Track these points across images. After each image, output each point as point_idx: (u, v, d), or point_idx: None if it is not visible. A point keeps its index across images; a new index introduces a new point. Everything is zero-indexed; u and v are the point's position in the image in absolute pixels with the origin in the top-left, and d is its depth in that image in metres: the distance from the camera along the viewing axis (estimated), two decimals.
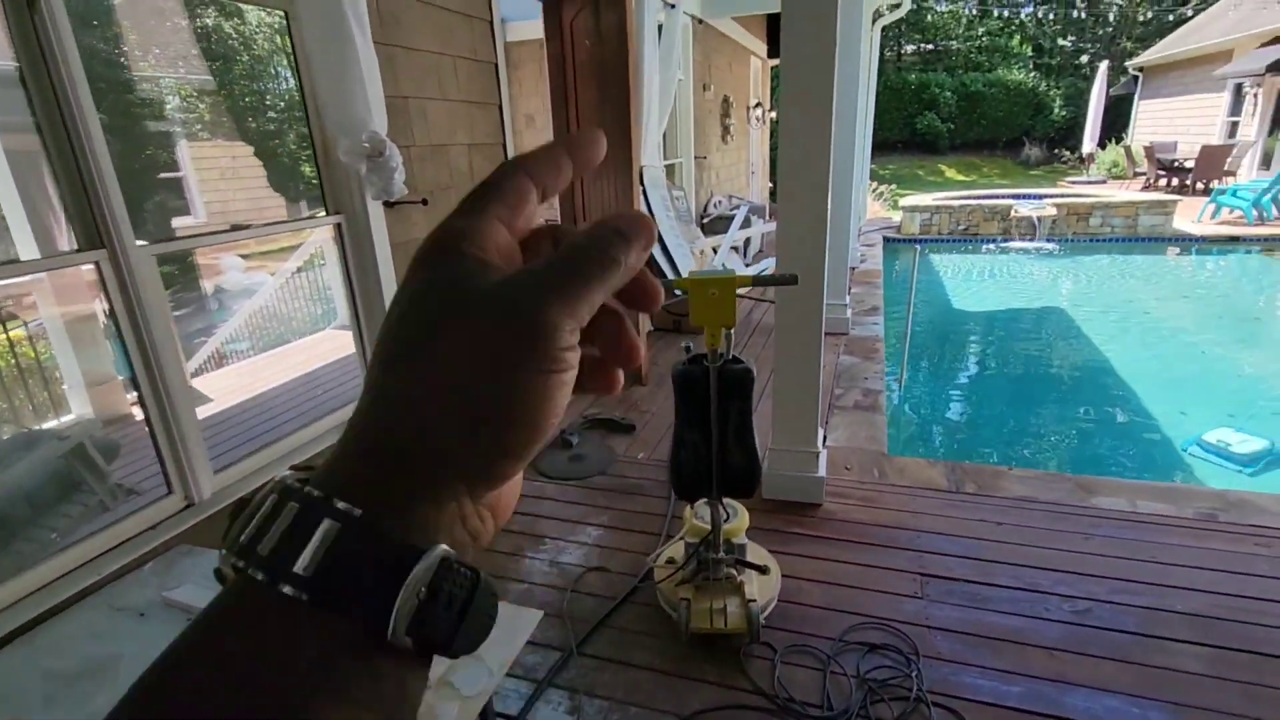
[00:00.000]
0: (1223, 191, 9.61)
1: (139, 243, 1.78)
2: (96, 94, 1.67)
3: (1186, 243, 8.84)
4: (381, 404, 0.23)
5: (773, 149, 11.09)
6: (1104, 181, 15.62)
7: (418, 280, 0.24)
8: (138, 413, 2.20)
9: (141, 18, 3.66)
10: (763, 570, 1.89)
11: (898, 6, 7.59)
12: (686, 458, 1.67)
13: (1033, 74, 22.83)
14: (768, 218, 7.75)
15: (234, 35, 4.21)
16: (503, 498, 0.26)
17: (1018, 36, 23.53)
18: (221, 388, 3.93)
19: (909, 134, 23.21)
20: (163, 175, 4.28)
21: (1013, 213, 9.23)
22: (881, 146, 23.23)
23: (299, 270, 5.01)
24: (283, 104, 3.57)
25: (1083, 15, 23.51)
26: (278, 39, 2.83)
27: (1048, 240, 9.12)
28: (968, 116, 22.45)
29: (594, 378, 0.27)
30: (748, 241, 7.23)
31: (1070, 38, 23.50)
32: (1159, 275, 8.29)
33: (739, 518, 1.91)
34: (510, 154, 3.73)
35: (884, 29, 8.44)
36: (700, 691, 1.72)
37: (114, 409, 3.01)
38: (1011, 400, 4.76)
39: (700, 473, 1.68)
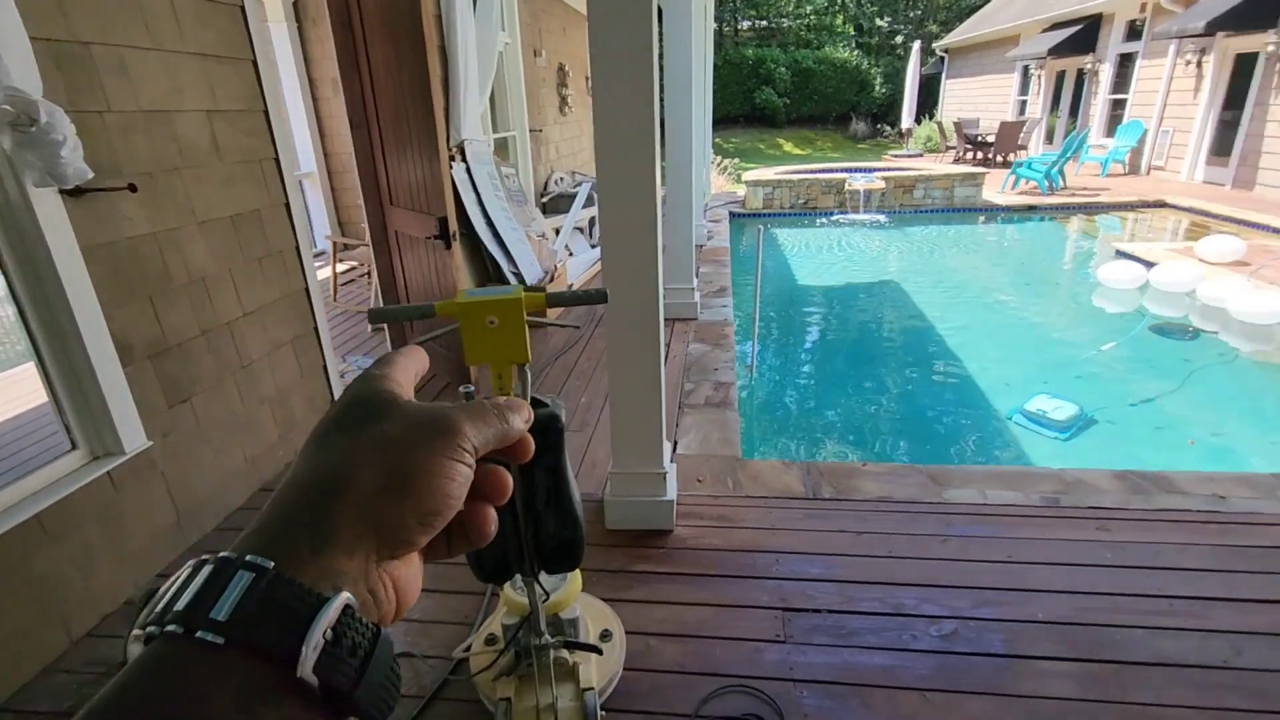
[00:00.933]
0: (1020, 164, 10.59)
1: None
2: None
3: (994, 212, 9.65)
4: (313, 464, 0.28)
5: None
6: (921, 155, 16.89)
7: (352, 393, 0.31)
8: None
9: None
10: (598, 651, 1.53)
11: None
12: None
13: (855, 52, 24.24)
14: None
15: None
16: (404, 578, 0.29)
17: (841, 16, 24.83)
18: None
19: (749, 108, 23.89)
20: None
21: (847, 186, 9.59)
22: (724, 120, 23.77)
23: None
24: None
25: None
26: None
27: (879, 212, 9.58)
28: (801, 92, 23.46)
29: (471, 528, 0.33)
30: (593, 222, 6.83)
31: (886, 19, 25.16)
32: (975, 244, 8.97)
33: (567, 586, 1.53)
34: (286, 122, 3.36)
35: (719, 2, 8.30)
36: None
37: None
38: (857, 382, 4.79)
39: (507, 553, 1.27)
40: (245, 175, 2.46)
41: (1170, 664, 1.63)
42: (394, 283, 3.80)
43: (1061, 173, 10.20)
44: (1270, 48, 8.86)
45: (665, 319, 4.66)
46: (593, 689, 1.49)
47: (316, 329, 2.88)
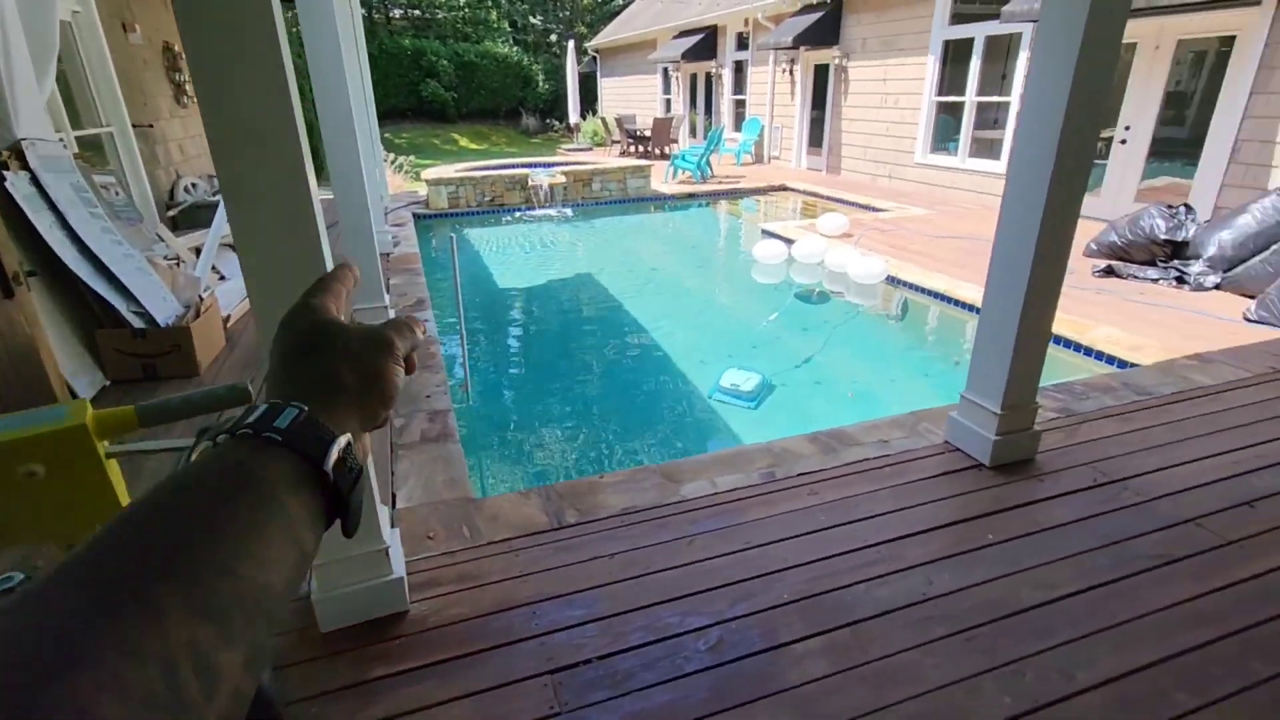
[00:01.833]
0: (676, 157, 11.82)
1: None
2: None
3: (662, 201, 10.62)
4: (309, 370, 0.40)
5: None
6: (591, 149, 17.91)
7: (307, 322, 0.42)
8: None
9: None
10: None
11: None
12: None
13: (515, 48, 24.64)
14: None
15: None
16: (366, 443, 0.42)
17: (495, 11, 24.96)
18: None
19: (415, 101, 22.78)
20: None
21: (530, 181, 9.63)
22: (391, 114, 22.30)
23: None
24: None
25: None
26: None
27: (564, 206, 9.84)
28: (468, 85, 23.10)
29: None
30: None
31: (539, 17, 26.02)
32: (652, 232, 9.76)
33: None
34: None
35: None
36: None
37: None
38: (576, 384, 4.80)
39: None
40: None
41: (888, 611, 1.85)
42: None
43: (709, 163, 11.65)
44: (836, 60, 11.18)
45: None
46: None
47: None
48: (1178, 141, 6.85)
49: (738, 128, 14.52)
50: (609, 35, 20.17)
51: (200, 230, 5.12)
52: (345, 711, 1.57)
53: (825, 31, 10.91)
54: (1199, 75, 6.68)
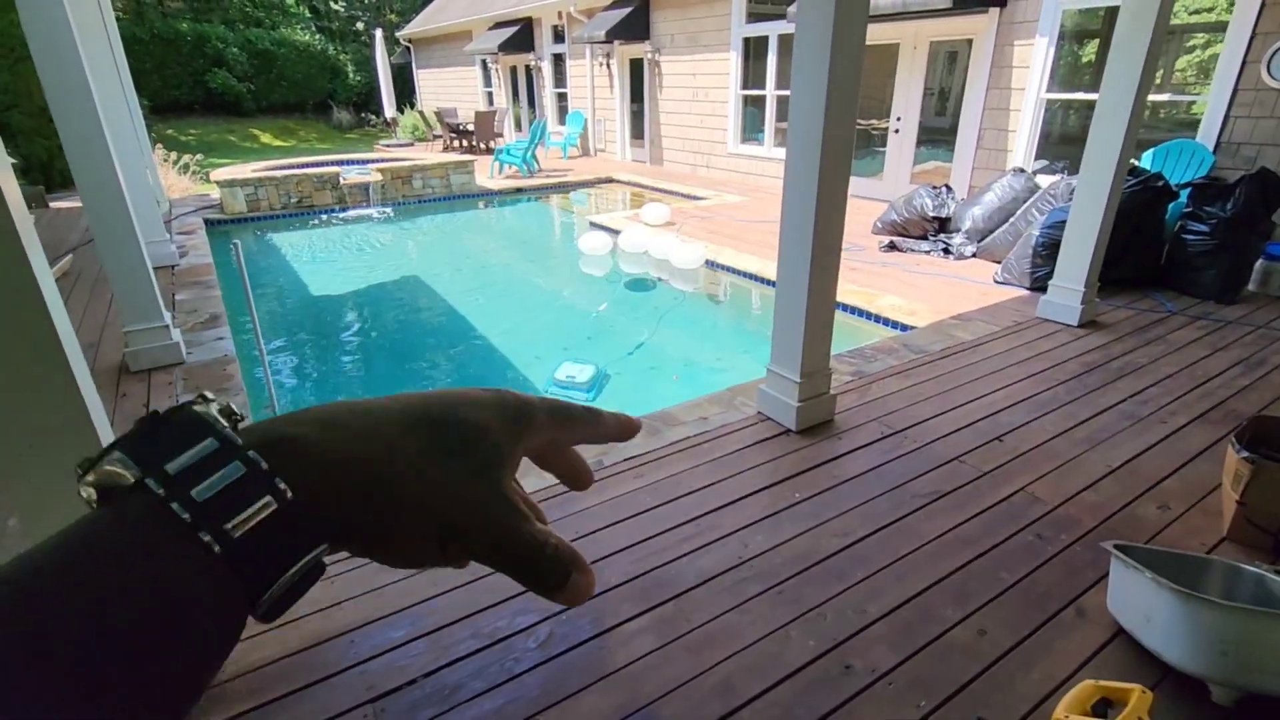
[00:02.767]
0: (501, 151, 11.58)
1: None
2: None
3: (489, 196, 10.37)
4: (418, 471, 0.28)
5: None
6: (412, 144, 17.04)
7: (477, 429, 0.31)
8: None
9: None
10: None
11: None
12: None
13: (318, 36, 22.77)
14: None
15: None
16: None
17: None
18: None
19: (203, 93, 20.36)
20: None
21: (342, 180, 8.97)
22: (174, 108, 19.71)
23: None
24: None
25: None
26: None
27: (382, 205, 9.28)
28: (266, 76, 21.02)
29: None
30: None
31: (342, 3, 24.23)
32: (479, 228, 9.49)
33: None
34: None
35: None
36: None
37: None
38: (399, 390, 4.55)
39: None
40: None
41: (708, 578, 1.96)
42: None
43: (535, 157, 11.54)
44: (649, 55, 11.53)
45: (133, 371, 3.56)
46: None
47: None
48: (941, 130, 7.87)
49: (561, 121, 14.52)
50: (420, 25, 19.24)
51: None
52: None
53: (636, 26, 11.20)
54: (952, 73, 7.72)
